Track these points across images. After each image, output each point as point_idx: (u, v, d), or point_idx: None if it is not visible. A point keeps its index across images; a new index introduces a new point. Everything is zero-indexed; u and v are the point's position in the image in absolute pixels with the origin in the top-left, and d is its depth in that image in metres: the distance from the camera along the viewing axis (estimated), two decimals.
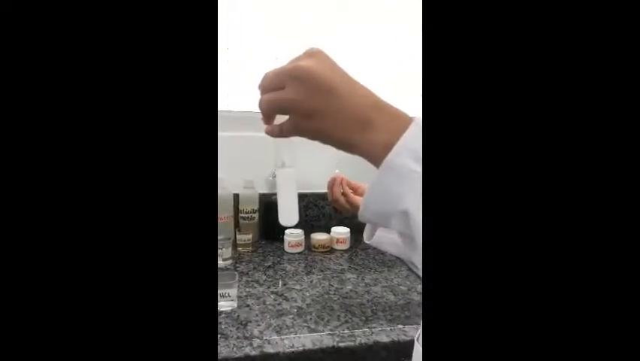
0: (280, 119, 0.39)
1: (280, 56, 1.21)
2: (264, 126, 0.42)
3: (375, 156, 0.34)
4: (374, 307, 0.81)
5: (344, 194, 0.85)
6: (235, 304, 0.79)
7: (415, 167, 0.32)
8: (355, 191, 0.86)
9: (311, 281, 0.93)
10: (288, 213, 0.48)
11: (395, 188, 0.33)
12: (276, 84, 0.37)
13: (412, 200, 0.32)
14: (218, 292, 0.77)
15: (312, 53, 0.37)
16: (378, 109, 0.35)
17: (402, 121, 0.34)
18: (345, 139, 0.36)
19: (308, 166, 1.03)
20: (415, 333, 0.72)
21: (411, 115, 0.35)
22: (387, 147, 0.33)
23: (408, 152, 0.32)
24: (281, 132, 0.39)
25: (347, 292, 0.88)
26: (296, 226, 1.24)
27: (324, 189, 0.97)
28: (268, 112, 0.38)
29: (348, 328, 0.73)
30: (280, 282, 0.92)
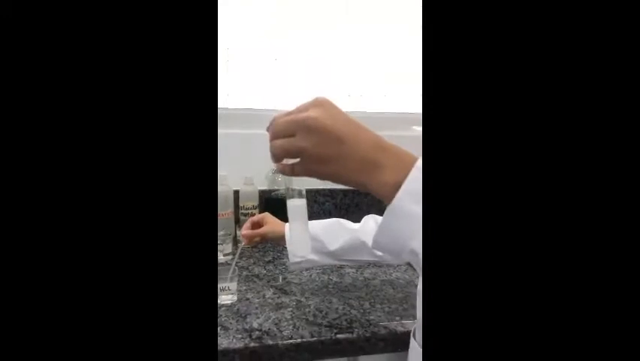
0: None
1: (280, 56, 1.23)
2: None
3: (384, 195, 0.38)
4: (372, 300, 0.83)
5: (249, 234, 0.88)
6: (235, 298, 0.81)
7: (418, 210, 0.35)
8: (259, 222, 0.90)
9: (310, 276, 0.95)
10: (300, 245, 0.51)
11: (401, 229, 0.37)
12: (287, 132, 0.40)
13: (417, 240, 0.35)
14: (219, 286, 0.79)
15: (319, 103, 0.40)
16: (383, 151, 0.38)
17: (406, 161, 0.38)
18: (354, 181, 0.39)
19: None
20: (413, 326, 0.73)
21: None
22: (394, 186, 0.36)
23: (411, 197, 0.36)
24: (292, 172, 0.42)
25: (346, 286, 0.89)
26: None
27: (323, 186, 0.99)
28: (280, 156, 0.42)
29: (346, 320, 0.74)
30: (280, 277, 0.94)
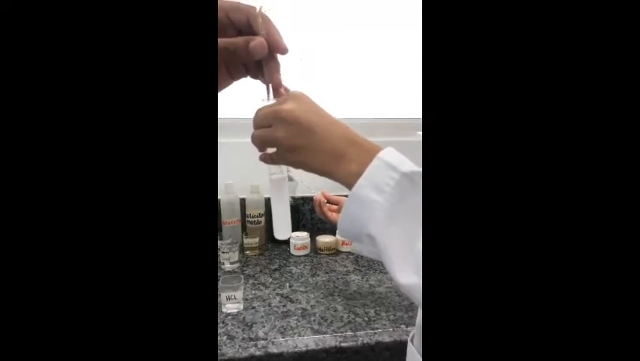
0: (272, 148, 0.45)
1: (286, 66, 1.24)
2: None
3: (348, 184, 0.40)
4: (377, 308, 0.82)
5: (324, 212, 0.97)
6: (241, 307, 0.81)
7: (375, 197, 0.37)
8: (337, 203, 0.97)
9: (316, 283, 0.95)
10: (281, 227, 0.51)
11: (360, 215, 0.38)
12: (264, 123, 0.43)
13: (374, 225, 0.37)
14: (225, 295, 0.79)
15: (295, 97, 0.43)
16: (351, 143, 0.41)
17: (371, 153, 0.39)
18: (323, 169, 0.41)
19: None
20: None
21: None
22: (358, 176, 0.38)
23: (370, 185, 0.38)
24: (271, 161, 0.46)
25: (351, 294, 0.89)
26: (302, 229, 1.26)
27: (328, 192, 1.00)
28: (259, 145, 0.45)
29: (351, 329, 0.74)
30: (287, 284, 0.94)
